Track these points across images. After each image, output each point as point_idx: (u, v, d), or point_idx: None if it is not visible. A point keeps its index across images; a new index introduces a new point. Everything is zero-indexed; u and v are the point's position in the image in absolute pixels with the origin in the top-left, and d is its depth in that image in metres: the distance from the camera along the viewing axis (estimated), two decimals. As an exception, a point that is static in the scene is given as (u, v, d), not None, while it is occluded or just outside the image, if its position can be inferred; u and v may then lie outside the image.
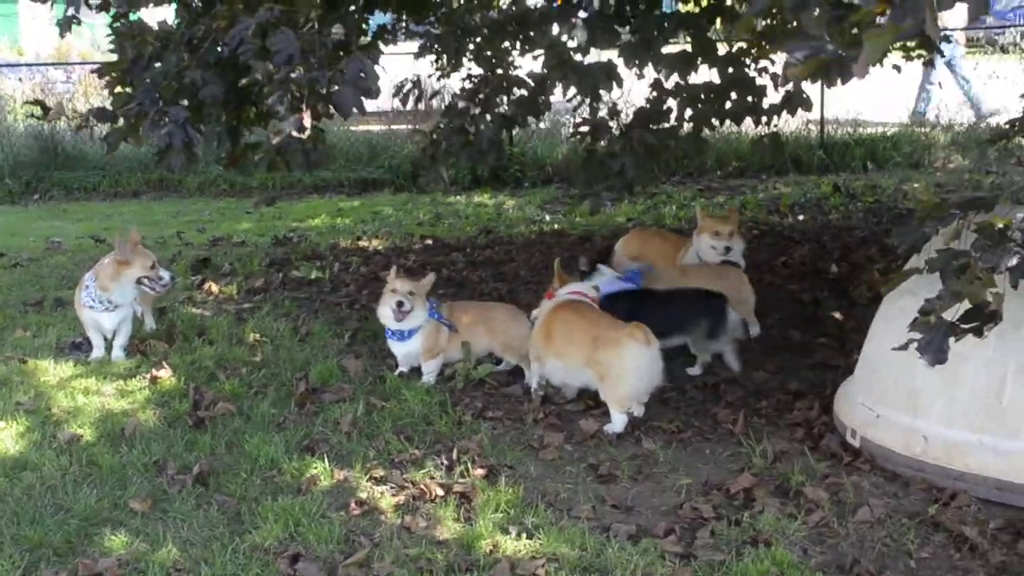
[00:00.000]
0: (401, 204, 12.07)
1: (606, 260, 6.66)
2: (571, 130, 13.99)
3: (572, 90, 5.99)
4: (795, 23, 3.69)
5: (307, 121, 5.09)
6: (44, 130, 13.83)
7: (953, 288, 3.25)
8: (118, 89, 6.04)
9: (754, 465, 4.53)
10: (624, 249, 7.09)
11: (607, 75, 5.75)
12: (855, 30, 2.85)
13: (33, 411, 5.23)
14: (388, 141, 14.13)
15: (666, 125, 6.55)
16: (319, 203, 12.46)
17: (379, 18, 9.05)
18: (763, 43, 6.84)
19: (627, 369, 4.92)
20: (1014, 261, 3.28)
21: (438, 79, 9.01)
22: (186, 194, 13.28)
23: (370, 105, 5.27)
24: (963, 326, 3.26)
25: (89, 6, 6.77)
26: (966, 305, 3.27)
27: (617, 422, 4.97)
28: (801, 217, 10.30)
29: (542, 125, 13.98)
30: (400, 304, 5.45)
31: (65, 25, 6.74)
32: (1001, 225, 3.36)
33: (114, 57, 6.23)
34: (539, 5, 5.71)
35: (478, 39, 6.48)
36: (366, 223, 10.83)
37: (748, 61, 6.60)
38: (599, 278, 6.01)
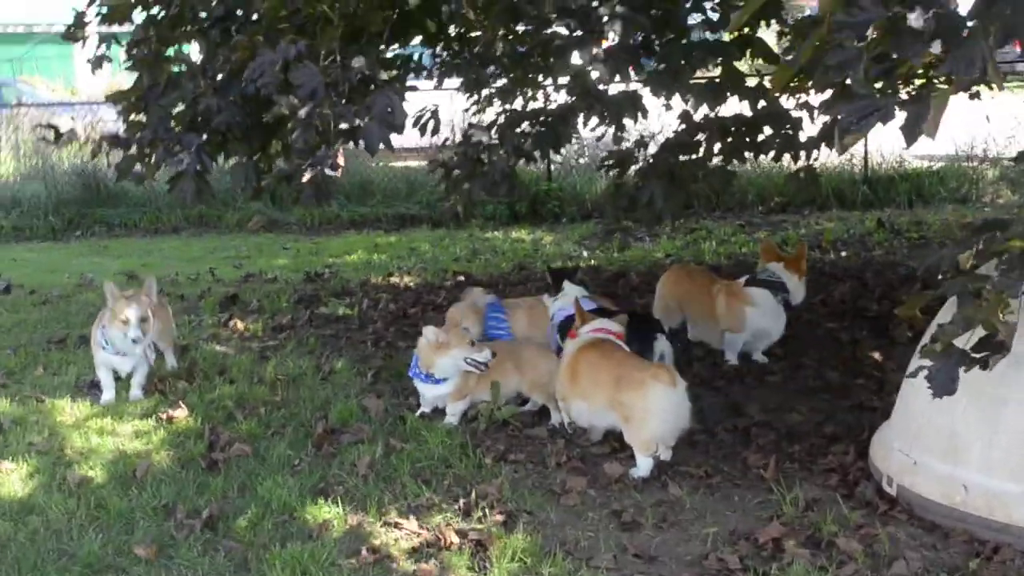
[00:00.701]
0: (438, 240, 12.01)
1: (571, 276, 6.46)
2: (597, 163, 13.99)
3: (595, 120, 5.87)
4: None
5: (341, 160, 5.02)
6: (87, 167, 14.02)
7: (966, 314, 3.06)
8: (132, 117, 6.01)
9: (784, 513, 4.31)
10: (663, 287, 6.92)
11: (632, 105, 5.61)
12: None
13: (45, 452, 5.15)
14: (426, 177, 14.04)
15: (695, 157, 6.39)
16: (356, 239, 12.44)
17: (413, 50, 9.06)
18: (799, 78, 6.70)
19: (651, 411, 4.74)
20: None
21: (474, 113, 9.00)
22: (225, 230, 13.33)
23: (408, 141, 5.21)
24: (974, 355, 3.05)
25: (119, 43, 6.80)
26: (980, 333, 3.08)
27: (642, 466, 4.79)
28: (843, 253, 10.06)
29: (581, 160, 13.91)
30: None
31: (96, 63, 6.78)
32: (1020, 248, 3.15)
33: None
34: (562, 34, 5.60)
35: (499, 69, 6.39)
36: (402, 259, 10.77)
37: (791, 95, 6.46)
38: (564, 298, 5.97)
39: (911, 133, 2.85)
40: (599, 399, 4.96)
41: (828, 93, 6.03)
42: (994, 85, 3.84)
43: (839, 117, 2.85)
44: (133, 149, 5.92)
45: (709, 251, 10.40)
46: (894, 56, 2.75)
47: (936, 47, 2.60)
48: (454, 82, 7.50)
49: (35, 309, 8.56)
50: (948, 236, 3.47)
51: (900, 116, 2.87)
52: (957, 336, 3.06)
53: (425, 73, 7.89)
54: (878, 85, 2.83)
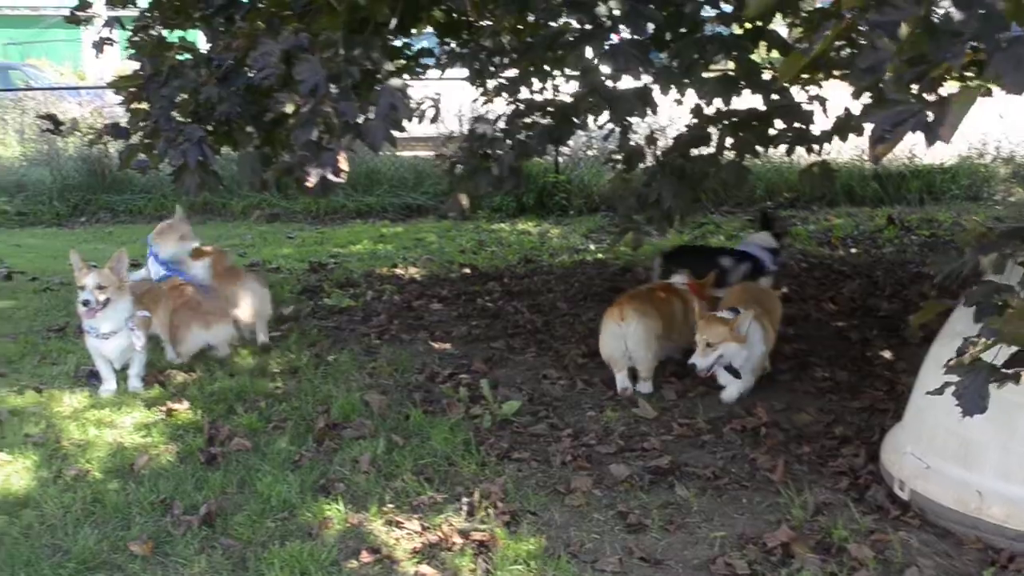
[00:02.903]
0: (444, 231, 11.92)
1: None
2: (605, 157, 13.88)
3: (604, 116, 5.76)
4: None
5: (344, 164, 4.92)
6: (92, 153, 13.93)
7: (992, 326, 2.95)
8: (134, 105, 5.91)
9: (794, 517, 4.22)
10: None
11: (641, 101, 5.50)
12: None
13: (42, 444, 5.07)
14: (434, 167, 14.00)
15: (706, 151, 6.28)
16: (362, 228, 12.34)
17: (421, 40, 8.96)
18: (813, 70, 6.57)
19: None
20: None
21: (483, 104, 8.90)
22: (230, 218, 13.24)
23: (416, 130, 5.11)
24: (1005, 371, 2.95)
25: (123, 27, 6.72)
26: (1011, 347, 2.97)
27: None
28: (853, 250, 9.96)
29: (589, 152, 13.79)
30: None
31: (99, 46, 6.70)
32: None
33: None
34: (571, 27, 5.49)
35: (506, 60, 6.27)
36: (408, 250, 10.67)
37: (793, 87, 6.34)
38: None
39: (930, 135, 2.74)
40: None
41: (835, 84, 6.00)
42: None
43: (873, 125, 2.73)
44: (135, 138, 5.82)
45: (717, 245, 10.29)
46: (928, 58, 2.64)
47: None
48: (462, 71, 7.40)
49: (35, 296, 8.49)
50: (967, 243, 3.35)
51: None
52: (986, 351, 2.95)
53: (433, 62, 7.79)
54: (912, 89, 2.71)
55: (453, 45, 7.48)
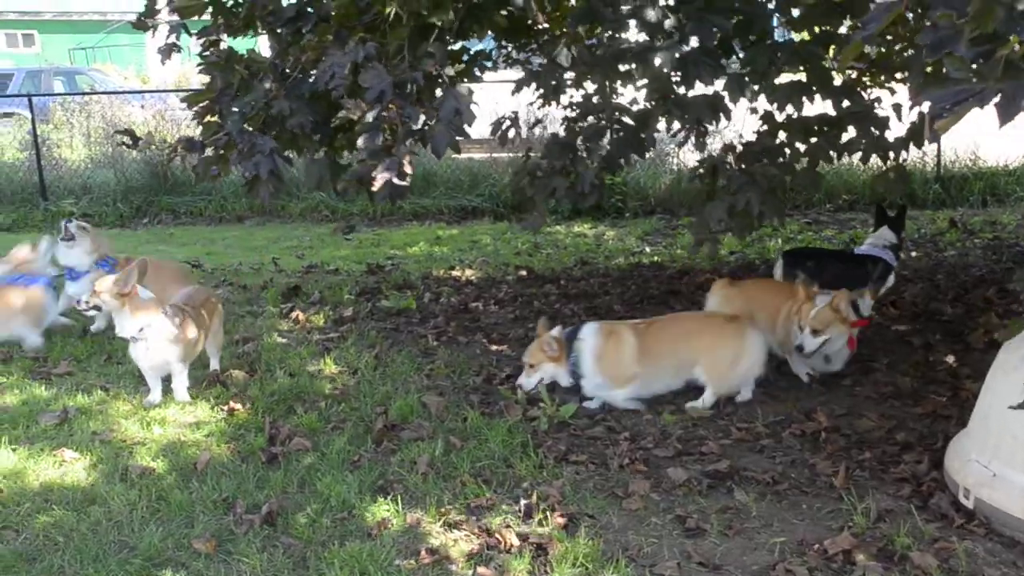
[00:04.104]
0: (500, 233, 11.94)
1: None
2: (676, 161, 13.79)
3: (676, 125, 5.75)
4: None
5: (407, 168, 4.97)
6: (155, 156, 14.17)
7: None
8: (207, 119, 6.01)
9: (855, 524, 4.17)
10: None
11: (712, 108, 5.47)
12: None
13: (108, 442, 5.18)
14: (489, 169, 14.06)
15: (780, 160, 6.21)
16: (418, 230, 12.42)
17: (479, 43, 8.98)
18: (877, 72, 6.48)
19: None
20: None
21: (539, 107, 8.90)
22: (288, 219, 13.40)
23: (472, 132, 5.15)
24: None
25: (190, 33, 6.81)
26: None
27: None
28: (914, 254, 9.80)
29: (646, 155, 13.71)
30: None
31: (166, 52, 6.80)
32: None
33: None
34: (639, 39, 5.48)
35: (575, 74, 6.27)
36: (464, 252, 10.72)
37: (866, 90, 6.25)
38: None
39: (1006, 112, 2.67)
40: None
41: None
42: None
43: (929, 103, 2.68)
44: (208, 151, 5.92)
45: (775, 249, 10.20)
46: (997, 34, 2.58)
47: None
48: (514, 74, 7.42)
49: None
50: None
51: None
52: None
53: (490, 65, 7.81)
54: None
55: (513, 52, 7.51)
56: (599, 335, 5.54)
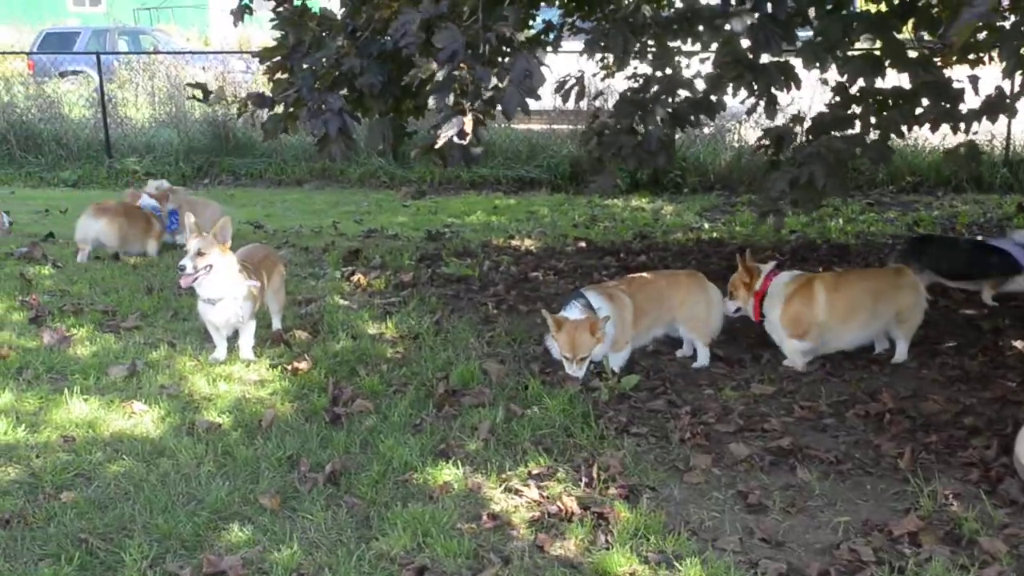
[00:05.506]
0: (557, 204, 11.92)
1: None
2: (736, 138, 13.65)
3: (743, 93, 5.66)
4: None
5: (468, 127, 4.95)
6: (217, 116, 14.32)
7: None
8: (278, 75, 6.04)
9: (921, 507, 4.12)
10: None
11: (784, 75, 5.37)
12: None
13: (175, 396, 5.26)
14: (548, 140, 14.02)
15: (851, 132, 6.10)
16: (475, 199, 12.43)
17: (545, 12, 8.94)
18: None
19: None
20: None
21: (603, 79, 8.85)
22: (347, 184, 13.48)
23: (532, 104, 5.12)
24: None
25: (259, -6, 6.85)
26: None
27: None
28: (980, 237, 9.62)
29: (706, 130, 13.61)
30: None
31: (238, 14, 6.84)
32: None
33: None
34: (710, 3, 5.40)
35: (646, 38, 6.20)
36: (521, 222, 10.72)
37: (942, 64, 6.12)
38: None
39: None
40: None
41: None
42: None
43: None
44: (278, 108, 5.95)
45: (836, 229, 10.08)
46: None
47: None
48: (577, 45, 7.35)
49: (168, 254, 8.77)
50: None
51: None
52: None
53: (554, 35, 7.77)
54: None
55: (578, 20, 7.45)
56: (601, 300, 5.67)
